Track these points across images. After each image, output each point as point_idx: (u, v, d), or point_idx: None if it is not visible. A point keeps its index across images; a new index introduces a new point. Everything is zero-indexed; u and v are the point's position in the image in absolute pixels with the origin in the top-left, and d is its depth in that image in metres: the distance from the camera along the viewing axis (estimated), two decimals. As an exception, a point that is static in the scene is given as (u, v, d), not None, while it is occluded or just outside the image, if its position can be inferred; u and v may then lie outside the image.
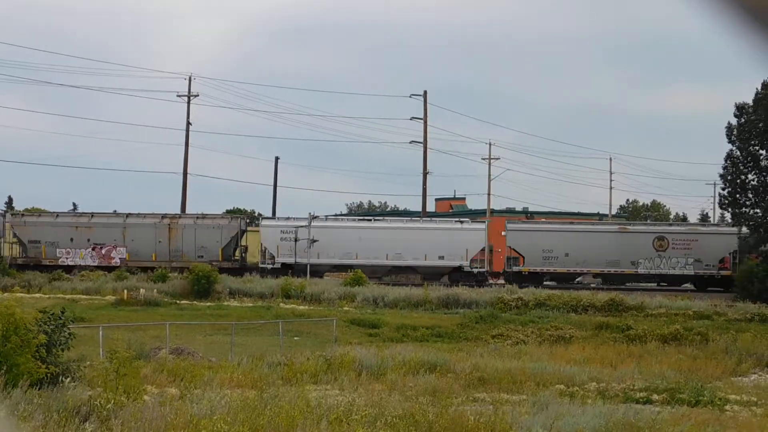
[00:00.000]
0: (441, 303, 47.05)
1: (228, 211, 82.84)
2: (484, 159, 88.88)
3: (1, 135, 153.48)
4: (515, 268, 58.87)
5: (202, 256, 58.95)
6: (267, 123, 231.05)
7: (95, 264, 59.03)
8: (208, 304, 45.89)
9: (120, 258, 59.62)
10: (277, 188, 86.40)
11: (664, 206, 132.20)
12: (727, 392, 24.10)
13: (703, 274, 58.21)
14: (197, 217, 62.11)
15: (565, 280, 58.05)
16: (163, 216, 61.97)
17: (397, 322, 41.22)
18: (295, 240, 58.20)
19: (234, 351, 28.71)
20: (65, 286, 50.48)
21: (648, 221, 67.28)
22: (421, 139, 74.78)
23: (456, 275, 57.87)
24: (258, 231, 62.21)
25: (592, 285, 57.71)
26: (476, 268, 58.48)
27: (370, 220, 63.13)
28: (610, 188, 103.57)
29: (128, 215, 62.61)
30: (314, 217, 60.25)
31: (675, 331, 38.23)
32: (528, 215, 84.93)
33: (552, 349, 34.03)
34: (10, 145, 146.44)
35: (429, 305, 46.52)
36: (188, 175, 73.79)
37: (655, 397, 22.70)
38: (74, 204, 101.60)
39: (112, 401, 15.89)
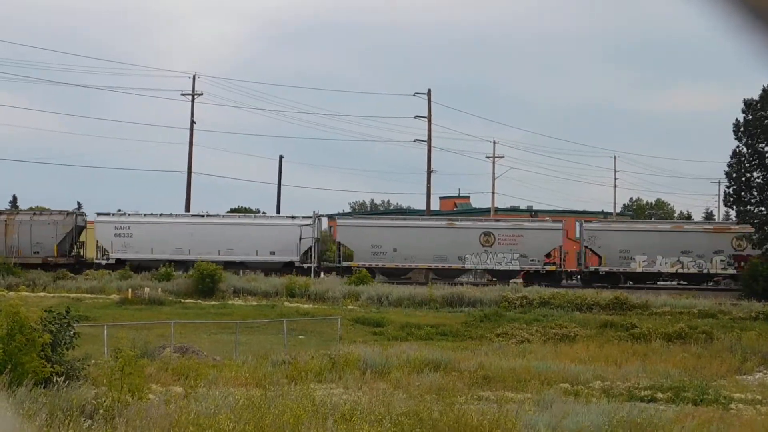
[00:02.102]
0: (445, 302, 47.11)
1: (232, 210, 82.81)
2: (488, 157, 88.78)
3: (6, 134, 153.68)
4: (345, 264, 59.28)
5: (37, 252, 59.60)
6: (271, 122, 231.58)
7: None
8: (213, 302, 45.94)
9: None
10: (282, 187, 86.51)
11: (669, 204, 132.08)
12: (732, 391, 24.08)
13: (529, 269, 58.45)
14: (33, 214, 62.50)
15: (395, 275, 58.10)
16: (0, 212, 62.79)
17: (401, 321, 41.24)
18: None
19: (238, 350, 28.74)
20: (70, 285, 50.56)
21: (476, 217, 67.15)
22: (425, 138, 74.78)
23: (288, 270, 57.91)
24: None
25: (421, 281, 57.71)
26: (308, 263, 58.79)
27: (203, 216, 63.46)
28: (615, 186, 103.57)
29: None
30: (321, 216, 60.47)
31: (679, 330, 38.20)
32: (532, 213, 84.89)
33: (556, 348, 34.02)
34: (16, 144, 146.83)
35: (433, 304, 46.57)
36: (193, 174, 73.80)
37: (659, 395, 22.69)
38: (79, 203, 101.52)
39: (117, 400, 15.91)
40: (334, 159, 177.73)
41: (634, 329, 38.79)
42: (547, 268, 58.41)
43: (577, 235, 62.65)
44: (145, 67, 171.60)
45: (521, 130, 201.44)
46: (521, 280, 57.12)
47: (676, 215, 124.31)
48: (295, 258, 58.61)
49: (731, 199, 55.95)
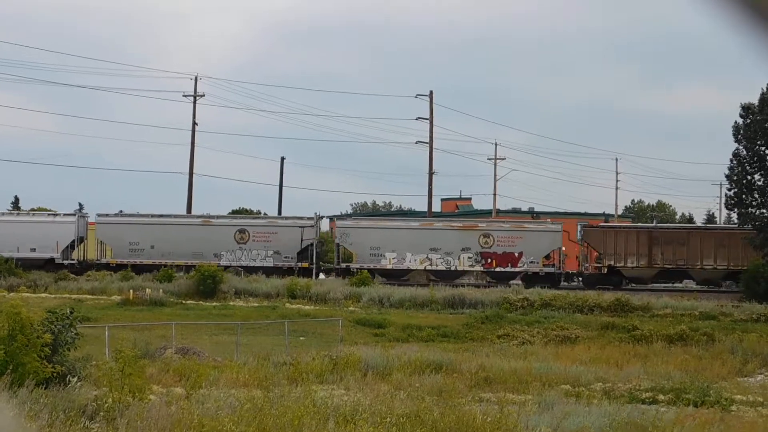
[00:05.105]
0: (446, 303, 47.06)
1: (233, 211, 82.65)
2: (489, 159, 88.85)
3: (8, 135, 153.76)
4: (104, 261, 59.75)
5: None
6: (273, 123, 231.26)
7: None
8: (214, 303, 45.91)
9: None
10: (283, 188, 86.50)
11: (670, 206, 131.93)
12: (733, 392, 24.07)
13: (282, 266, 58.69)
14: None
15: (153, 271, 57.25)
16: None
17: (402, 322, 41.23)
18: None
19: (239, 351, 28.73)
20: (71, 286, 50.54)
21: (231, 215, 66.79)
22: (427, 140, 74.76)
23: (50, 266, 57.77)
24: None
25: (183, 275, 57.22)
26: (67, 260, 59.07)
27: None
28: (616, 188, 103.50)
29: None
30: (320, 218, 60.65)
31: (681, 332, 38.21)
32: (534, 215, 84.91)
33: (558, 350, 34.02)
34: (18, 144, 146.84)
35: (434, 305, 46.53)
36: (194, 175, 73.79)
37: (660, 397, 22.68)
38: (80, 204, 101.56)
39: (118, 401, 15.92)
40: (336, 160, 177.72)
41: (636, 331, 38.78)
42: (301, 264, 58.75)
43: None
44: (146, 68, 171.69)
45: (523, 131, 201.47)
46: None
47: (677, 217, 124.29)
48: (56, 255, 59.03)
49: (732, 201, 55.93)
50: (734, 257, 57.13)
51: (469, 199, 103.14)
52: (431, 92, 74.67)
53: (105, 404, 15.69)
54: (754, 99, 54.93)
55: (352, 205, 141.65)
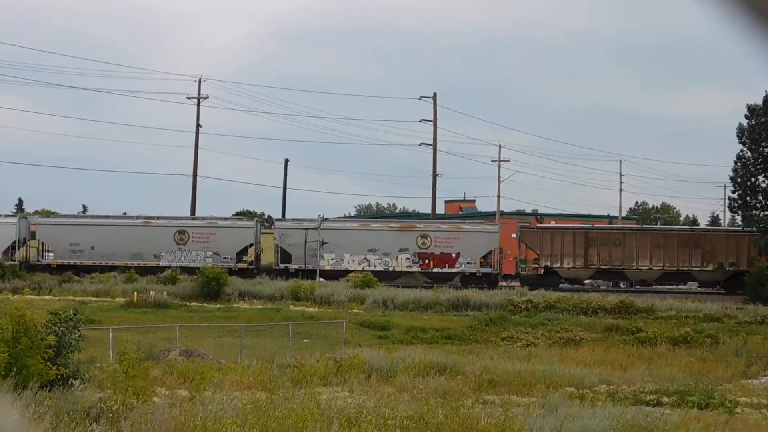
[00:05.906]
0: (450, 305, 47.03)
1: (237, 214, 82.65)
2: (494, 161, 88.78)
3: (13, 137, 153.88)
4: (44, 261, 59.97)
5: None
6: (278, 125, 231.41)
7: None
8: (218, 306, 45.93)
9: None
10: (287, 190, 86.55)
11: (674, 208, 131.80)
12: (738, 395, 24.04)
13: (221, 266, 57.83)
14: None
15: (97, 272, 57.39)
16: None
17: (406, 325, 41.21)
18: None
19: (243, 353, 28.73)
20: (75, 288, 50.56)
21: (170, 216, 66.42)
22: (431, 142, 74.79)
23: None
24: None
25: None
26: (9, 262, 58.63)
27: None
28: (620, 190, 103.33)
29: None
30: (324, 220, 60.60)
31: (685, 334, 38.17)
32: (538, 218, 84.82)
33: (562, 352, 34.00)
34: (22, 147, 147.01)
35: (439, 307, 46.50)
36: (198, 178, 73.90)
37: (665, 399, 22.65)
38: (84, 206, 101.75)
39: (122, 403, 15.92)
40: (340, 162, 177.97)
41: (640, 333, 38.74)
42: (240, 265, 59.00)
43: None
44: (151, 71, 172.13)
45: (527, 133, 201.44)
46: None
47: (681, 219, 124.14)
48: None
49: (736, 203, 55.84)
50: (669, 258, 57.61)
51: (473, 201, 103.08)
52: (435, 94, 74.79)
53: (113, 406, 15.67)
54: (758, 100, 54.93)
55: (356, 207, 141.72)
